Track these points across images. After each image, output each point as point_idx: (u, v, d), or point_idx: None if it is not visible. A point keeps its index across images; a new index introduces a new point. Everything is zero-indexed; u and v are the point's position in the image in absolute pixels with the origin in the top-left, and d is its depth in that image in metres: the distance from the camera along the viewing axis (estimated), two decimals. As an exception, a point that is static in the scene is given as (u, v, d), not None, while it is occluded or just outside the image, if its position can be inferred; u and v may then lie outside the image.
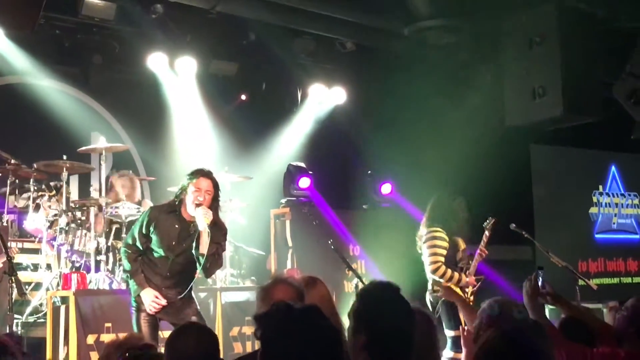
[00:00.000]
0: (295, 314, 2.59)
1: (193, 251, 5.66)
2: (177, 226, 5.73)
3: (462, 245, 7.20)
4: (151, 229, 5.72)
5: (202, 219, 5.58)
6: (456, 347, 6.49)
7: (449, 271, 6.97)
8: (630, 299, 3.85)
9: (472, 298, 7.06)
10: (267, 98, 10.34)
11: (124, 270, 5.90)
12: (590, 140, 10.84)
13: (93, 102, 9.50)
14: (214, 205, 5.73)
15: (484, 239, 7.25)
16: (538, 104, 8.48)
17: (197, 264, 5.69)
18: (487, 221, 7.34)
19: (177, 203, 5.77)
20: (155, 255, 5.75)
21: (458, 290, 7.00)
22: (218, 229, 5.75)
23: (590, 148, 11.43)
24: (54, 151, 7.94)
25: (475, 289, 7.13)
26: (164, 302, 5.67)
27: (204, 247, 5.60)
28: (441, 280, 6.96)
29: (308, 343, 2.49)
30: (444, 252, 7.03)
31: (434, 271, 6.97)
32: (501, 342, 2.44)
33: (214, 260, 5.74)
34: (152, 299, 5.63)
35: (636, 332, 3.65)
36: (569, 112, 8.44)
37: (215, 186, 5.76)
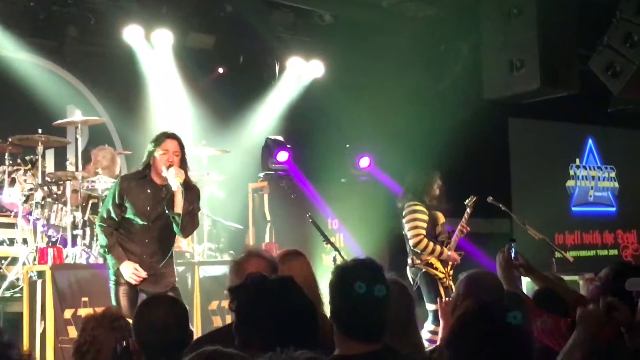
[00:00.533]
0: (269, 285, 2.60)
1: (167, 211, 5.68)
2: (149, 191, 5.74)
3: (441, 219, 7.24)
4: (125, 197, 5.72)
5: (174, 179, 5.59)
6: (437, 320, 6.51)
7: (431, 244, 7.01)
8: (603, 269, 3.89)
9: (451, 272, 7.10)
10: (244, 71, 10.26)
11: (101, 246, 5.88)
12: (567, 113, 10.89)
13: (68, 75, 9.39)
14: (183, 166, 5.73)
15: (465, 216, 7.31)
16: (516, 76, 8.49)
17: (174, 225, 5.71)
18: (469, 199, 7.38)
19: (145, 169, 5.77)
20: (133, 223, 5.75)
21: (438, 263, 7.04)
22: (190, 189, 5.75)
23: (567, 121, 11.48)
24: (29, 125, 7.85)
25: (455, 263, 7.18)
26: (144, 274, 5.66)
27: (178, 207, 5.63)
28: (422, 252, 6.99)
29: (282, 313, 2.50)
30: (425, 225, 7.08)
31: (416, 244, 7.00)
32: (478, 313, 2.45)
33: (190, 220, 5.75)
34: (132, 271, 5.63)
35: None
36: (546, 85, 8.46)
37: (182, 147, 5.77)
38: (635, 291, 3.32)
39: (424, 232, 7.05)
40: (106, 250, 5.76)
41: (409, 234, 7.10)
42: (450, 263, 7.12)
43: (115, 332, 3.49)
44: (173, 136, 5.76)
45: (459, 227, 7.26)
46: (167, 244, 5.87)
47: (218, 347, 1.64)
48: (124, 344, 3.09)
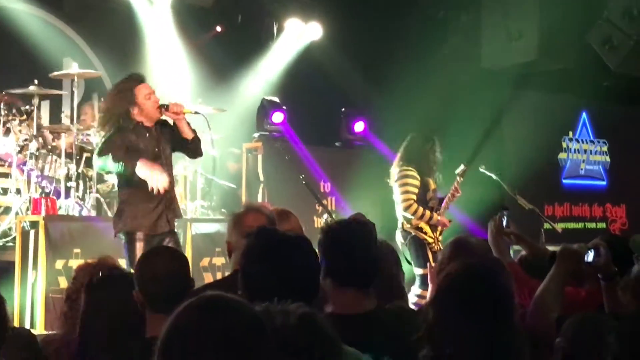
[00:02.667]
0: (283, 237, 2.69)
1: (182, 137, 5.68)
2: (147, 135, 5.63)
3: (432, 185, 7.27)
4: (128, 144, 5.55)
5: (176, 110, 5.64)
6: (424, 284, 6.59)
7: (420, 209, 7.05)
8: (593, 239, 3.94)
9: (440, 237, 7.16)
10: (242, 31, 10.23)
11: (111, 164, 5.43)
12: (563, 85, 10.90)
13: (66, 27, 9.35)
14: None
15: (455, 184, 7.33)
16: (514, 47, 8.51)
17: (188, 152, 5.87)
18: (460, 168, 7.41)
19: (127, 122, 5.59)
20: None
21: (428, 228, 7.10)
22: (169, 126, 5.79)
23: (562, 94, 11.49)
24: (25, 75, 7.84)
25: (444, 228, 7.24)
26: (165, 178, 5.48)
27: (189, 132, 5.67)
28: (412, 217, 7.05)
29: (290, 268, 2.57)
30: (416, 190, 7.11)
31: (406, 209, 7.05)
32: (463, 274, 2.51)
33: (199, 140, 5.80)
34: (157, 171, 5.40)
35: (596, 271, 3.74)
36: (544, 56, 8.48)
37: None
38: (637, 252, 3.40)
39: (414, 197, 7.09)
40: (118, 161, 5.37)
41: (399, 199, 7.14)
42: (439, 228, 7.18)
43: None
44: (143, 79, 5.72)
45: (450, 193, 7.30)
46: (172, 180, 5.81)
47: (219, 292, 1.69)
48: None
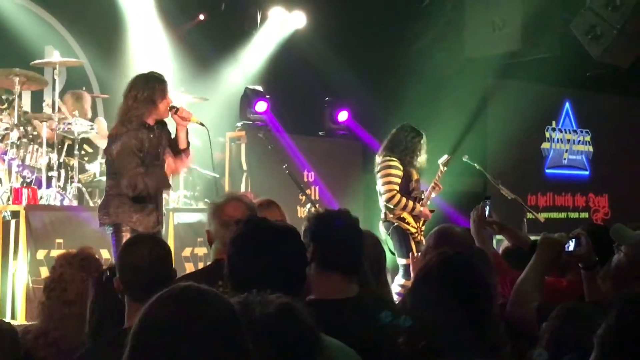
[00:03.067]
0: (275, 227, 2.67)
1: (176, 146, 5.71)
2: (151, 136, 5.59)
3: (415, 175, 7.27)
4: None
5: (187, 118, 5.67)
6: (407, 275, 6.60)
7: (403, 199, 7.05)
8: (576, 229, 3.94)
9: (423, 228, 7.17)
10: (225, 19, 10.19)
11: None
12: (546, 75, 10.93)
13: (47, 15, 9.26)
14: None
15: (439, 174, 7.34)
16: (497, 36, 8.52)
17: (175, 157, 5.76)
18: (443, 158, 7.42)
19: (141, 117, 5.57)
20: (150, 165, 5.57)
21: (410, 218, 7.10)
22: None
23: (545, 83, 11.52)
24: (6, 64, 7.76)
25: (427, 219, 7.25)
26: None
27: (184, 142, 5.68)
28: (395, 208, 7.05)
29: (279, 258, 2.56)
30: (399, 180, 7.10)
31: (389, 199, 7.05)
32: (442, 264, 2.50)
33: (188, 154, 5.81)
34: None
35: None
36: (527, 45, 8.49)
37: None
38: (617, 241, 3.39)
39: (397, 187, 7.08)
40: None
41: (382, 189, 7.14)
42: (422, 218, 7.18)
43: (83, 271, 3.52)
44: (166, 84, 5.67)
45: (432, 184, 7.31)
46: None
47: (191, 283, 1.67)
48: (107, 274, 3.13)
